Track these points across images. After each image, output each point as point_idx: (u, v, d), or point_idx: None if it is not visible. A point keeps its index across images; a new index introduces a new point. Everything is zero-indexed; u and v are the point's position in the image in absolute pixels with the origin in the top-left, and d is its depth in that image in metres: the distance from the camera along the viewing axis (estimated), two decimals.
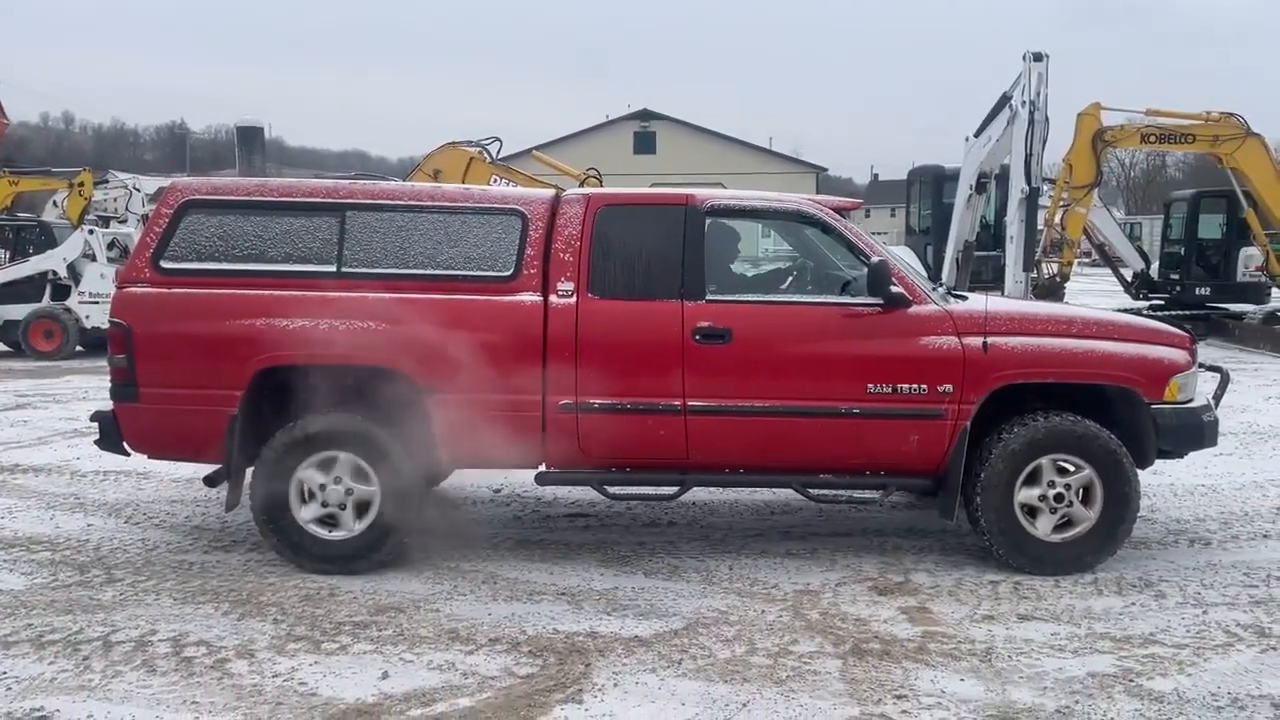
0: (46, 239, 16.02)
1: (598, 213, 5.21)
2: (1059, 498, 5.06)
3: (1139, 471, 5.14)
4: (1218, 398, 5.52)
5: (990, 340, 5.03)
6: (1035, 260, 14.44)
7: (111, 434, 5.26)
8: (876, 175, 79.22)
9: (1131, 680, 3.93)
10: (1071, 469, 5.06)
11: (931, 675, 3.97)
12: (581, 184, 13.02)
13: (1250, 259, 17.33)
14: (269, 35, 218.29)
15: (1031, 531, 5.09)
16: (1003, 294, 11.82)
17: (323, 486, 5.06)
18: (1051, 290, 16.11)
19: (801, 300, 5.34)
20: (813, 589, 4.94)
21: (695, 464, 5.20)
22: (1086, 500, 5.08)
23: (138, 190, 16.71)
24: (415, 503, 5.15)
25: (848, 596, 4.85)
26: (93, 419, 5.43)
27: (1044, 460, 5.05)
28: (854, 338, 5.08)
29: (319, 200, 5.21)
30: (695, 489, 5.53)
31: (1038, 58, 12.60)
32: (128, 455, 5.41)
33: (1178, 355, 5.22)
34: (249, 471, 5.21)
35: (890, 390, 5.01)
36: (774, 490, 6.49)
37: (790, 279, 5.90)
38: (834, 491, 5.34)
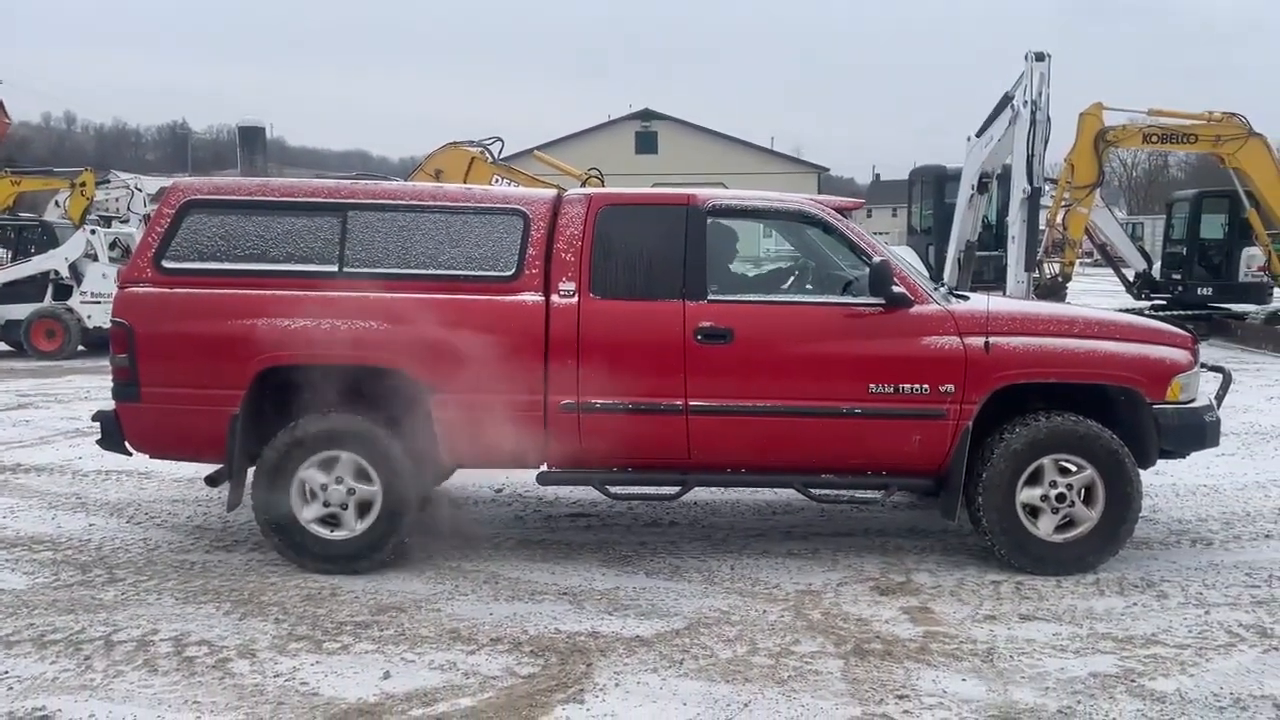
0: (48, 239, 16.04)
1: (599, 213, 5.21)
2: (1061, 498, 5.05)
3: (1141, 472, 5.14)
4: (1220, 398, 5.52)
5: (992, 340, 5.03)
6: (1037, 260, 14.44)
7: (113, 434, 5.27)
8: (878, 175, 79.28)
9: (1133, 680, 3.93)
10: (1073, 469, 5.06)
11: (933, 675, 3.97)
12: (583, 184, 13.01)
13: (1252, 259, 17.31)
14: (270, 35, 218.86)
15: (1033, 531, 5.08)
16: (1004, 294, 11.81)
17: (324, 486, 5.07)
18: (1053, 290, 16.09)
19: (803, 300, 5.35)
20: (814, 589, 4.94)
21: (697, 464, 5.20)
22: (1088, 500, 5.08)
23: (139, 190, 16.74)
24: (417, 503, 5.15)
25: (849, 596, 4.85)
26: (94, 419, 5.43)
27: (1046, 460, 5.05)
28: (856, 338, 5.07)
29: (321, 200, 5.21)
30: (697, 489, 5.52)
31: (1040, 57, 12.56)
32: (129, 455, 5.42)
33: (1180, 355, 5.21)
34: (250, 471, 5.21)
35: (892, 390, 5.01)
36: (776, 490, 6.49)
37: (792, 279, 5.90)
38: (836, 491, 5.35)
